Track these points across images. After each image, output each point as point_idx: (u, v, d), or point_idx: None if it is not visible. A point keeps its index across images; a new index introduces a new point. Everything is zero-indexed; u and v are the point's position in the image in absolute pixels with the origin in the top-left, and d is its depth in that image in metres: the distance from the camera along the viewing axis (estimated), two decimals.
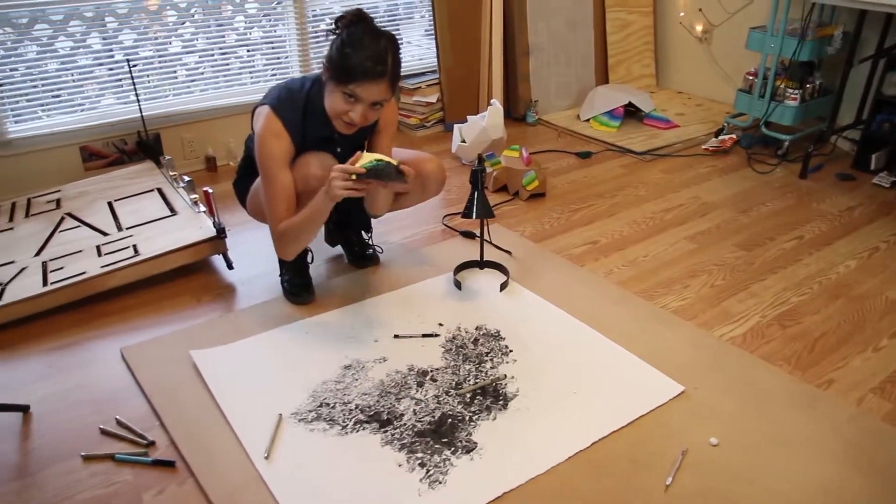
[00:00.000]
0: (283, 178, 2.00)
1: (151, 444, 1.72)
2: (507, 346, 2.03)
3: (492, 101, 2.39)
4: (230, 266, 2.42)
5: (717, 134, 3.57)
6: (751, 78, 3.44)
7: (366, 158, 1.86)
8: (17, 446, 1.73)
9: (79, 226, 2.60)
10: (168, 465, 1.66)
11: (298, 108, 2.01)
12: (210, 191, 2.34)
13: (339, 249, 2.56)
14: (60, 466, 1.66)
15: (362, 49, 1.85)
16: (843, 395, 1.86)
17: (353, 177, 1.83)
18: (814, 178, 3.19)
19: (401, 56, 1.94)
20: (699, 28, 4.08)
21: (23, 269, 2.33)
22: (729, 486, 1.57)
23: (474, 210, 2.15)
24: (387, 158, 1.86)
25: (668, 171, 3.28)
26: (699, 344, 2.04)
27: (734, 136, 3.51)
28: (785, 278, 2.40)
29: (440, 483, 1.58)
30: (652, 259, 2.52)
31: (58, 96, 3.03)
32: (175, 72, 3.26)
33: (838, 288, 2.35)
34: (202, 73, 3.33)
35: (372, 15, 1.94)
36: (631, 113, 3.85)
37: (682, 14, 4.15)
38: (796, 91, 3.25)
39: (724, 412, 1.78)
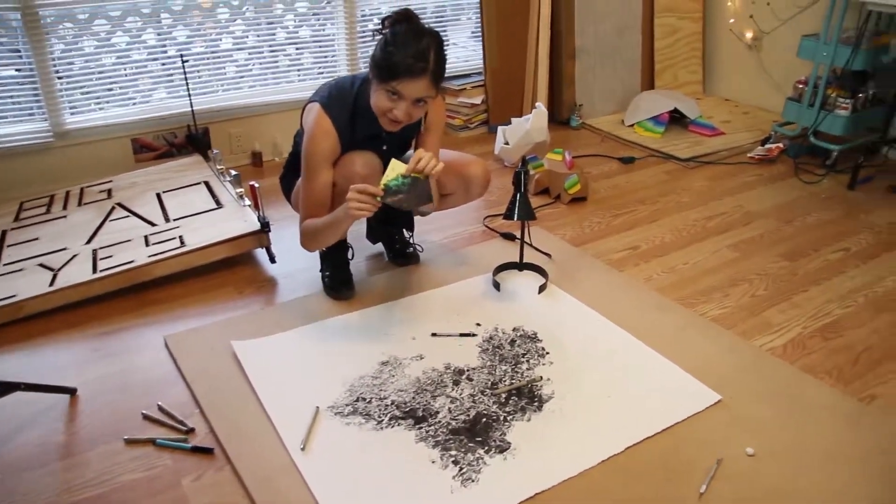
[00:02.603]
0: (322, 178, 2.04)
1: (191, 430, 1.76)
2: (543, 349, 2.03)
3: (536, 104, 2.40)
4: (273, 260, 2.46)
5: (764, 142, 3.52)
6: (801, 86, 3.38)
7: (393, 172, 1.86)
8: (64, 427, 1.79)
9: (128, 216, 2.67)
10: (207, 451, 1.70)
11: (347, 106, 2.05)
12: (256, 185, 2.39)
13: (379, 247, 2.59)
14: (104, 448, 1.72)
15: (404, 47, 1.87)
16: (889, 412, 1.82)
17: (377, 199, 1.82)
18: (863, 190, 3.13)
19: (445, 54, 1.95)
20: (749, 35, 4.02)
21: (74, 256, 2.41)
22: (765, 497, 1.55)
23: (516, 211, 2.15)
24: (414, 174, 1.85)
25: (712, 179, 3.24)
26: (738, 353, 2.02)
27: (781, 144, 3.46)
28: (829, 290, 2.36)
29: (472, 481, 1.59)
30: (692, 266, 2.50)
31: (111, 90, 3.12)
32: (224, 68, 3.33)
33: (885, 302, 2.30)
34: (251, 70, 3.39)
35: (420, 15, 1.96)
36: (676, 119, 3.82)
37: (731, 21, 4.10)
38: (848, 101, 3.18)
39: (761, 422, 1.76)
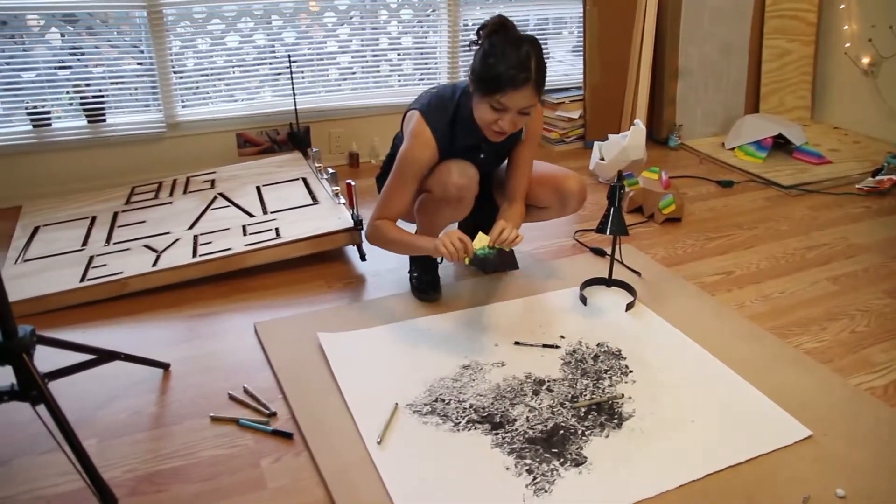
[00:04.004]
0: (408, 187, 2.06)
1: (273, 414, 1.82)
2: (627, 367, 2.00)
3: (635, 121, 2.36)
4: (363, 258, 2.51)
5: (875, 174, 3.36)
6: None
7: (480, 242, 1.95)
8: (156, 399, 1.88)
9: (229, 206, 2.78)
10: (286, 436, 1.74)
11: (447, 116, 2.06)
12: (352, 183, 2.44)
13: None
14: (190, 423, 1.79)
15: (505, 58, 1.87)
16: None
17: (466, 260, 1.93)
18: None
19: (544, 59, 1.94)
20: (866, 60, 3.86)
21: (176, 240, 2.52)
22: None
23: (609, 225, 2.13)
24: (499, 246, 1.94)
25: (815, 209, 3.12)
26: (833, 389, 1.93)
27: (894, 177, 3.29)
28: None
29: (545, 492, 1.57)
30: (789, 296, 2.41)
31: (218, 88, 3.26)
32: (328, 71, 3.43)
33: None
34: (354, 74, 3.48)
35: (521, 29, 1.95)
36: (780, 145, 3.69)
37: (847, 45, 3.94)
38: None
39: (854, 464, 1.68)
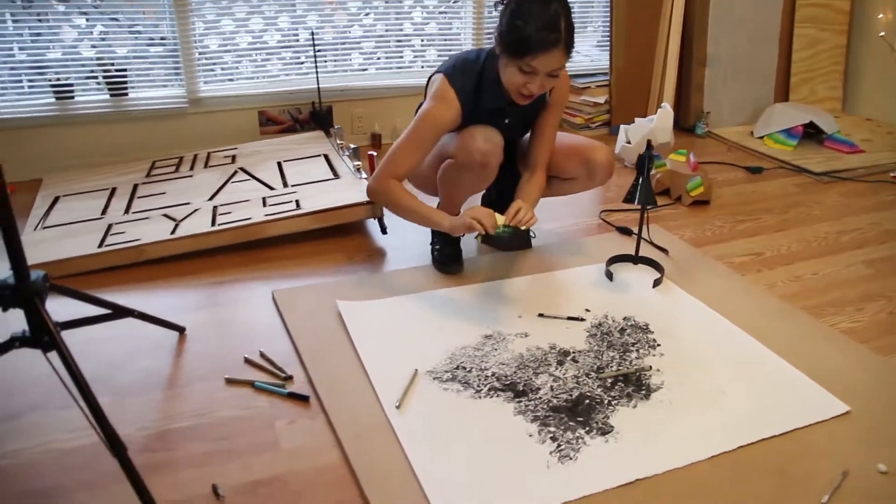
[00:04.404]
0: (423, 147, 1.99)
1: (289, 378, 1.77)
2: (654, 340, 1.94)
3: (663, 104, 2.31)
4: (384, 231, 2.46)
5: None
6: None
7: (498, 221, 1.93)
8: (170, 361, 1.84)
9: (249, 179, 2.74)
10: (302, 399, 1.70)
11: (472, 79, 2.01)
12: (374, 154, 2.40)
13: None
14: (205, 385, 1.75)
15: (533, 18, 1.81)
16: None
17: (479, 238, 1.93)
18: None
19: (572, 18, 1.87)
20: None
21: (195, 210, 2.49)
22: None
23: (637, 195, 2.07)
24: (514, 226, 1.93)
25: (847, 195, 3.03)
26: (871, 367, 1.86)
27: None
28: None
29: (570, 459, 1.51)
30: (822, 278, 2.33)
31: (238, 69, 3.23)
32: (350, 56, 3.40)
33: None
34: (378, 59, 3.44)
35: None
36: (810, 135, 3.60)
37: (882, 34, 3.84)
38: None
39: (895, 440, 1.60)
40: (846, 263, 2.43)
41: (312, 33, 3.20)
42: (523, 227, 1.95)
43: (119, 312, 1.69)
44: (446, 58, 2.18)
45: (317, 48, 3.24)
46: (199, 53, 3.11)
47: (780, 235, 2.63)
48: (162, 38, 3.05)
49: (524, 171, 2.21)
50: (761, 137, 3.64)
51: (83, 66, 2.97)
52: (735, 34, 3.75)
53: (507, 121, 2.09)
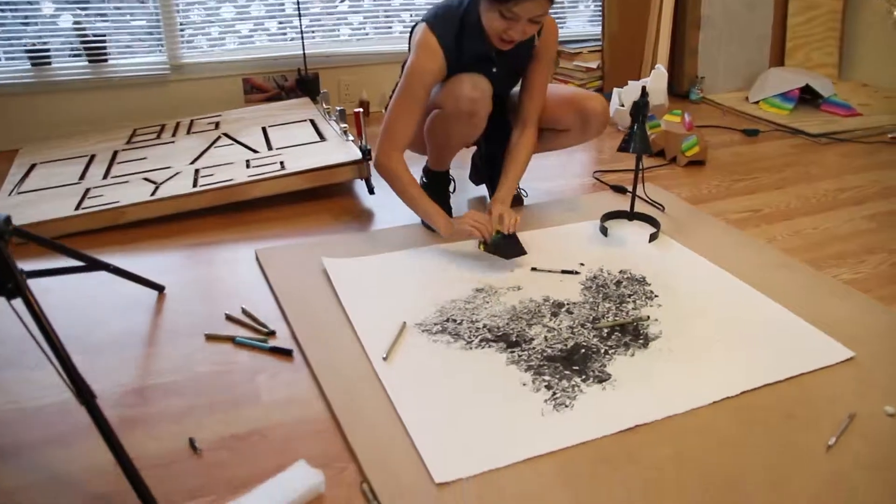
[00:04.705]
0: (416, 104, 1.93)
1: (272, 333, 1.70)
2: (652, 292, 1.87)
3: (657, 65, 2.23)
4: (371, 191, 2.39)
5: None
6: None
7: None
8: (148, 319, 1.76)
9: (232, 144, 2.66)
10: (285, 353, 1.63)
11: (454, 25, 1.94)
12: (360, 111, 2.32)
13: (482, 189, 2.48)
14: (184, 342, 1.67)
15: None
16: None
17: (481, 246, 1.97)
18: None
19: None
20: None
21: (177, 174, 2.41)
22: None
23: (632, 143, 2.00)
24: (501, 231, 1.95)
25: (846, 156, 2.97)
26: (875, 315, 1.79)
27: None
28: None
29: (566, 407, 1.44)
30: (822, 232, 2.27)
31: (221, 36, 3.15)
32: (338, 30, 3.32)
33: None
34: (366, 34, 3.37)
35: None
36: (806, 101, 3.54)
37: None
38: None
39: None
40: (847, 218, 2.37)
41: (298, 2, 3.12)
42: (509, 232, 1.95)
43: (92, 265, 1.61)
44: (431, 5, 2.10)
45: (304, 19, 3.15)
46: (181, 23, 3.02)
47: (779, 193, 2.56)
48: (142, 1, 2.96)
49: (514, 127, 2.14)
50: (756, 102, 3.58)
51: (59, 31, 2.88)
52: None
53: (494, 70, 2.01)
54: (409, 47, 2.03)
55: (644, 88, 2.00)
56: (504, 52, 1.95)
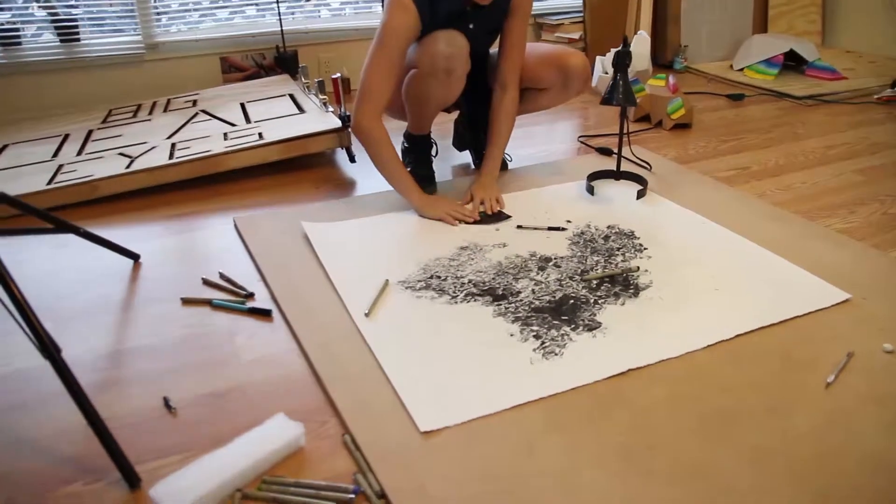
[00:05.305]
0: (392, 63, 1.85)
1: (250, 295, 1.64)
2: (641, 245, 1.82)
3: (639, 31, 2.19)
4: (352, 159, 2.34)
5: (894, 84, 3.17)
6: None
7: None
8: (123, 287, 1.70)
9: (210, 119, 2.60)
10: (264, 313, 1.57)
11: None
12: (339, 76, 2.27)
13: (466, 156, 2.43)
14: (159, 307, 1.62)
15: None
16: None
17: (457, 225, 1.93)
18: None
19: None
20: None
21: (153, 148, 2.35)
22: None
23: (615, 94, 1.95)
24: (492, 208, 1.97)
25: (833, 115, 2.93)
26: (869, 259, 1.76)
27: None
28: None
29: (556, 355, 1.40)
30: (812, 186, 2.23)
31: (197, 8, 3.08)
32: (319, 12, 3.27)
33: None
34: (344, 13, 3.32)
35: None
36: (790, 67, 3.50)
37: None
38: None
39: None
40: (836, 173, 2.33)
41: None
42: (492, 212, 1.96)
43: (62, 227, 1.54)
44: None
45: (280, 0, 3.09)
46: (157, 12, 2.96)
47: (767, 151, 2.53)
48: None
49: (495, 89, 2.09)
50: (741, 69, 3.54)
51: (26, 8, 2.81)
52: None
53: (470, 26, 1.96)
54: (383, 5, 1.98)
55: (626, 38, 1.95)
56: (479, 7, 1.90)
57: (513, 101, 2.07)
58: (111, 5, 2.94)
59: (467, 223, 1.92)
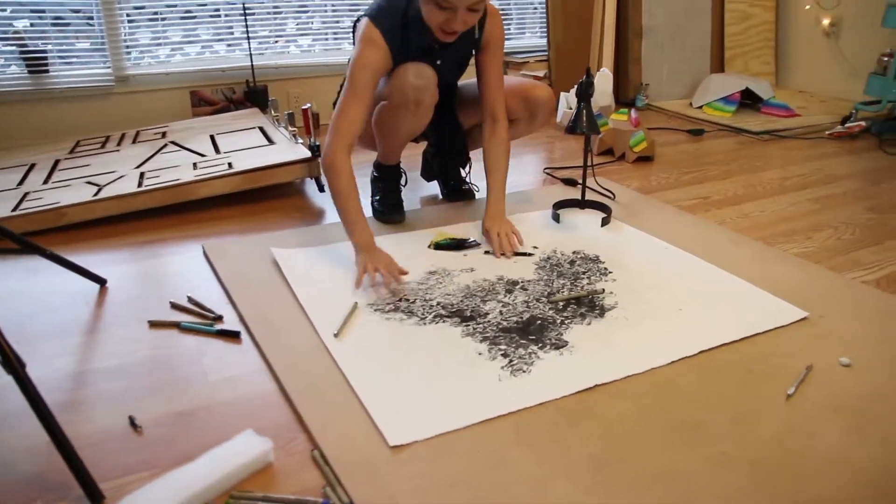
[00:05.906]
0: (362, 98, 1.85)
1: (219, 318, 1.64)
2: (606, 269, 1.86)
3: (602, 69, 2.26)
4: (321, 189, 2.36)
5: (844, 122, 3.30)
6: (886, 59, 3.18)
7: (441, 236, 1.97)
8: (90, 310, 1.69)
9: (179, 150, 2.61)
10: (233, 335, 1.57)
11: (397, 18, 1.92)
12: (309, 106, 2.30)
13: (434, 187, 2.46)
14: (127, 330, 1.61)
15: None
16: None
17: (430, 245, 1.95)
18: None
19: None
20: (826, 22, 3.83)
21: (121, 177, 2.35)
22: (864, 404, 1.33)
23: (580, 123, 2.00)
24: (460, 236, 1.98)
25: (788, 150, 3.04)
26: (825, 280, 1.81)
27: (863, 123, 3.24)
28: None
29: (524, 372, 1.41)
30: (770, 214, 2.30)
31: (168, 41, 3.11)
32: (285, 26, 3.32)
33: None
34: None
35: None
36: (746, 105, 3.63)
37: (808, 7, 3.91)
38: None
39: (855, 337, 1.55)
40: (793, 202, 2.41)
41: (244, 5, 3.10)
42: (517, 250, 1.95)
43: (28, 248, 1.54)
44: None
45: (250, 20, 3.13)
46: (125, 29, 2.98)
47: (726, 182, 2.61)
48: (81, 12, 2.92)
49: (485, 122, 2.08)
50: (700, 107, 3.66)
51: None
52: (669, 5, 3.78)
53: (438, 62, 2.00)
54: (353, 41, 2.02)
55: (588, 69, 2.01)
56: (447, 43, 1.94)
57: (503, 132, 2.06)
58: (77, 38, 2.94)
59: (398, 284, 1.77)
